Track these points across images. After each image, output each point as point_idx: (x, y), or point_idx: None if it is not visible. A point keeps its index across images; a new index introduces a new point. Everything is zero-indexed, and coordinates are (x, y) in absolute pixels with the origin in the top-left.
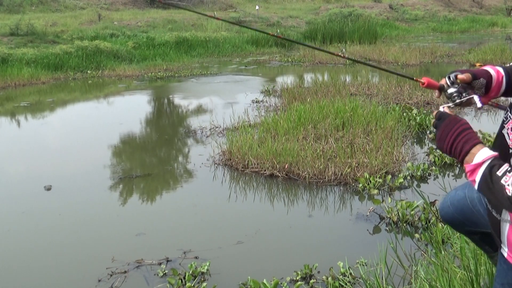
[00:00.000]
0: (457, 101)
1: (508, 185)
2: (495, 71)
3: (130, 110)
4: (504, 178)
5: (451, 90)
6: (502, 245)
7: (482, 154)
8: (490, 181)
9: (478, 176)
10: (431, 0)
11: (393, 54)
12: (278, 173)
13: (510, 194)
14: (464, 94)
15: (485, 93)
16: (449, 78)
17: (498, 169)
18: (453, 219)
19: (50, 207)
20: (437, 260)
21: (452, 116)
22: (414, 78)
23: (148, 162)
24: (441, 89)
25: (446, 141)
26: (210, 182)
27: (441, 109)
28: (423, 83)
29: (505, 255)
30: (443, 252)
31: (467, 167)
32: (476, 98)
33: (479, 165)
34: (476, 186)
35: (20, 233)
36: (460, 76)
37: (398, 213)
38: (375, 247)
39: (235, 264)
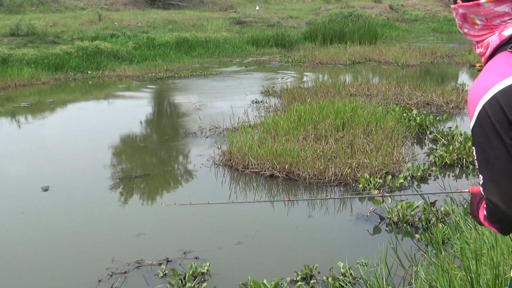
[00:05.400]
0: None
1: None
2: None
3: (130, 111)
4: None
5: None
6: None
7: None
8: None
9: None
10: (431, 1)
11: (393, 55)
12: (278, 173)
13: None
14: None
15: None
16: None
17: None
18: None
19: (50, 208)
20: (438, 260)
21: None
22: (459, 191)
23: (148, 162)
24: None
25: (471, 214)
26: (210, 183)
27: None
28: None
29: None
30: (443, 253)
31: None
32: None
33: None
34: None
35: (20, 233)
36: None
37: (398, 213)
38: (376, 248)
39: (235, 265)
